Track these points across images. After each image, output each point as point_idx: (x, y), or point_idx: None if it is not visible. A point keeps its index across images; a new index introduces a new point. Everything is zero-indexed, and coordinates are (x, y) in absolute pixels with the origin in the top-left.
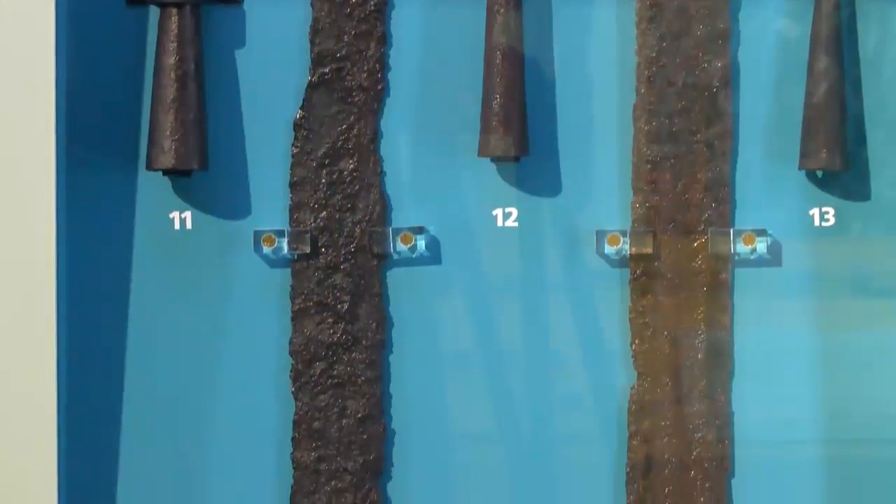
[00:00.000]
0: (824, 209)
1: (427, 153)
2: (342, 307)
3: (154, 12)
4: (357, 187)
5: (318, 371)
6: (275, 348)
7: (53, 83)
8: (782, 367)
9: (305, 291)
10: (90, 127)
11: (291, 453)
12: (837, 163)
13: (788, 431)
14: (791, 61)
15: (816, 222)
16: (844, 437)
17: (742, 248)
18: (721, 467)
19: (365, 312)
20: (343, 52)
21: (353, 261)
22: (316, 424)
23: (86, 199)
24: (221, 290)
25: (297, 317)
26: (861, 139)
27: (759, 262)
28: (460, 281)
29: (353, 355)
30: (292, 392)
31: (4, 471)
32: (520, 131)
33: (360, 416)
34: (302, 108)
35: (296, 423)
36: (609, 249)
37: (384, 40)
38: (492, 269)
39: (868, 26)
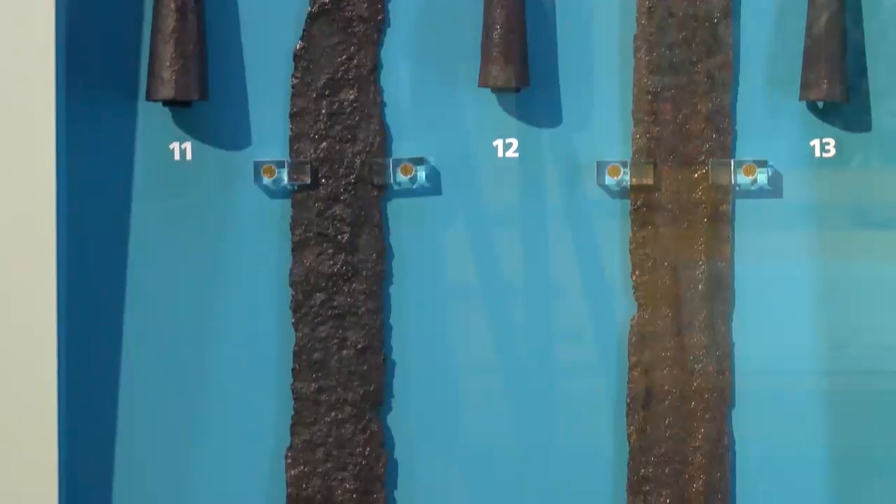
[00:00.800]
0: (825, 140)
1: (427, 84)
2: (342, 238)
3: None
4: (357, 118)
5: (319, 302)
6: (275, 279)
7: (53, 14)
8: (782, 298)
9: (305, 222)
10: (90, 58)
11: (291, 384)
12: (838, 93)
13: (789, 362)
14: None
15: (817, 153)
16: (844, 368)
17: (743, 179)
18: (721, 398)
19: (365, 243)
20: None
21: (353, 192)
22: (316, 355)
23: (86, 130)
24: (221, 221)
25: (297, 248)
26: (862, 70)
27: (760, 193)
28: (460, 212)
29: (354, 286)
30: (292, 323)
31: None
32: (520, 62)
33: (360, 347)
34: (302, 38)
35: (296, 354)
36: (609, 180)
37: None
38: (492, 200)
39: None
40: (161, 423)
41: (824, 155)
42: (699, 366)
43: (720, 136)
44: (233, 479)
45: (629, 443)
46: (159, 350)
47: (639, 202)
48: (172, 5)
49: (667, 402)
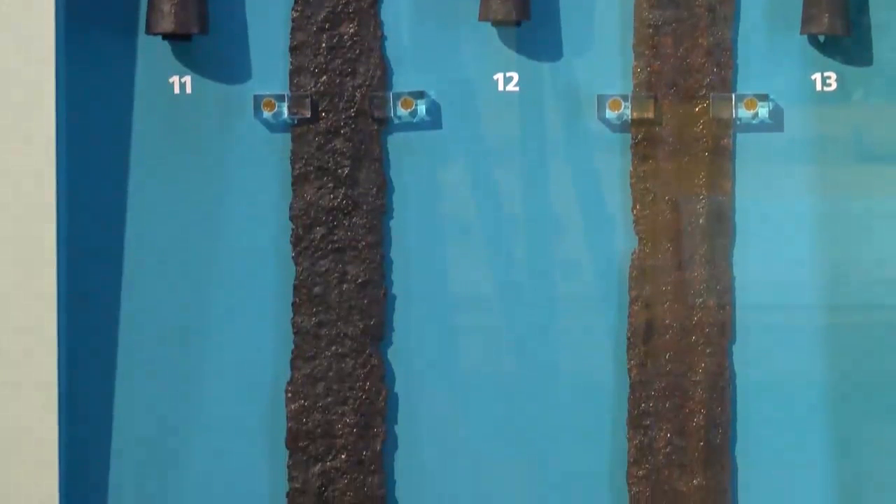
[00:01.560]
0: (826, 74)
1: (428, 17)
2: (342, 172)
3: None
4: (357, 51)
5: (319, 236)
6: (275, 213)
7: None
8: (783, 232)
9: (305, 156)
10: None
11: (292, 318)
12: (839, 27)
13: (789, 296)
14: None
15: (818, 87)
16: (844, 302)
17: (744, 112)
18: (722, 332)
19: (365, 177)
20: None
21: (353, 125)
22: (316, 289)
23: (86, 64)
24: (221, 155)
25: (298, 181)
26: (863, 4)
27: (761, 127)
28: (461, 146)
29: (354, 220)
30: (292, 257)
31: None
32: None
33: (360, 280)
34: None
35: (296, 288)
36: (610, 114)
37: None
38: (492, 134)
39: None
40: (161, 359)
41: (825, 89)
42: (700, 300)
43: (721, 69)
44: (233, 413)
45: (629, 377)
46: (159, 284)
47: (639, 136)
48: None
49: (667, 336)
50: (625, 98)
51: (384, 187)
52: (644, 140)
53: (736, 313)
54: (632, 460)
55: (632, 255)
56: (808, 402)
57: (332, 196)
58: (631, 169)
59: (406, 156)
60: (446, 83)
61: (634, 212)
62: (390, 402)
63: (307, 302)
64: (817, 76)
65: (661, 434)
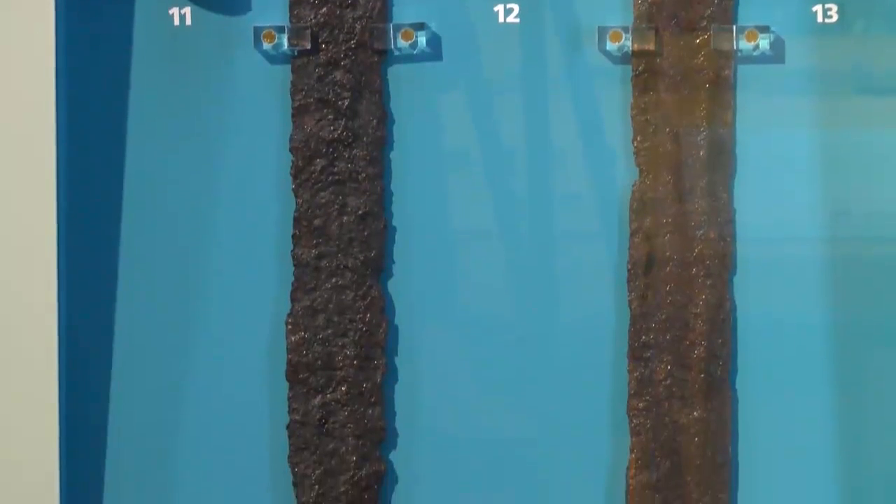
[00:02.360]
0: (827, 5)
1: None
2: (343, 103)
3: None
4: None
5: (319, 168)
6: (275, 145)
7: None
8: (784, 164)
9: (305, 88)
10: None
11: (292, 250)
12: None
13: (790, 229)
14: None
15: (819, 19)
16: (845, 235)
17: (745, 44)
18: (723, 264)
19: (365, 109)
20: None
21: (353, 57)
22: (316, 221)
23: None
24: (221, 87)
25: (298, 113)
26: None
27: (762, 58)
28: (461, 77)
29: (354, 152)
30: (293, 189)
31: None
32: None
33: (360, 212)
34: None
35: (296, 220)
36: (611, 46)
37: None
38: (492, 66)
39: None
40: (161, 292)
41: (826, 21)
42: (700, 232)
43: (722, 1)
44: (233, 345)
45: (630, 309)
46: (159, 216)
47: (640, 68)
48: None
49: (668, 268)
50: (625, 30)
51: (384, 119)
52: (645, 72)
53: (736, 245)
54: (632, 392)
55: (632, 187)
56: (808, 334)
57: (332, 128)
58: (631, 101)
59: (406, 88)
60: (447, 15)
61: (635, 144)
62: (390, 334)
63: (307, 234)
64: (818, 8)
65: (662, 366)
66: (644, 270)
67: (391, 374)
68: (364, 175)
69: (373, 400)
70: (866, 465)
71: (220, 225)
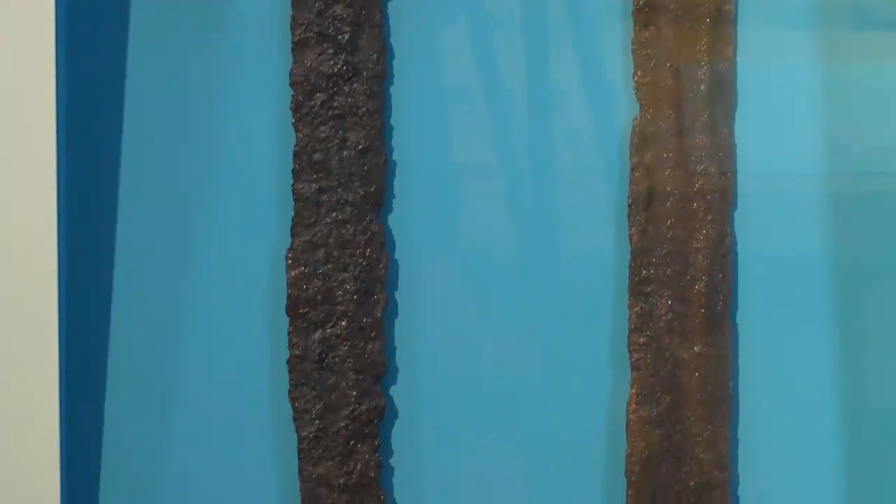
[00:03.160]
0: None
1: None
2: (343, 38)
3: None
4: None
5: (319, 102)
6: (275, 79)
7: None
8: (785, 99)
9: (305, 22)
10: None
11: (292, 185)
12: None
13: (791, 163)
14: None
15: None
16: (846, 170)
17: None
18: (723, 199)
19: (366, 43)
20: None
21: None
22: (316, 156)
23: None
24: (220, 21)
25: (297, 48)
26: None
27: None
28: (461, 12)
29: (354, 86)
30: (292, 123)
31: None
32: None
33: (360, 147)
34: None
35: (296, 155)
36: None
37: None
38: (493, 1)
39: None
40: (160, 227)
41: None
42: (701, 167)
43: None
44: (233, 280)
45: (630, 244)
46: (159, 151)
47: (641, 2)
48: None
49: (668, 203)
50: None
51: (384, 53)
52: (645, 6)
53: (737, 180)
54: (632, 327)
55: (633, 122)
56: (809, 269)
57: (332, 62)
58: (632, 35)
59: (407, 22)
60: None
61: (636, 78)
62: (390, 268)
63: (307, 168)
64: None
65: (662, 301)
66: (644, 205)
67: (391, 308)
68: (364, 109)
69: (373, 335)
70: (866, 400)
71: (221, 160)
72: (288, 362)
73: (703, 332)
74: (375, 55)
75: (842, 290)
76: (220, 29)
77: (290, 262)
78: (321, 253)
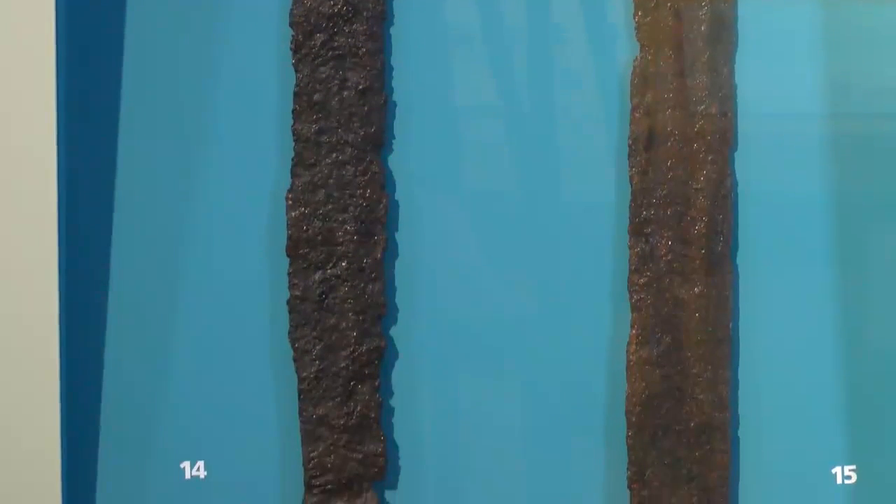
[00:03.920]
0: None
1: None
2: None
3: None
4: None
5: (319, 43)
6: (275, 20)
7: None
8: (786, 39)
9: None
10: None
11: (292, 126)
12: None
13: (791, 104)
14: None
15: None
16: (846, 111)
17: None
18: (723, 140)
19: None
20: None
21: None
22: (317, 97)
23: None
24: None
25: None
26: None
27: None
28: None
29: (354, 26)
30: (293, 64)
31: None
32: None
33: (360, 87)
34: None
35: (296, 96)
36: None
37: None
38: None
39: None
40: (161, 166)
41: None
42: (701, 107)
43: None
44: (234, 221)
45: (631, 185)
46: (160, 90)
47: None
48: None
49: (669, 143)
50: None
51: None
52: None
53: (738, 121)
54: (633, 268)
55: (633, 62)
56: (809, 209)
57: (332, 2)
58: None
59: None
60: None
61: (636, 19)
62: (391, 209)
63: (307, 109)
64: None
65: (663, 242)
66: (645, 146)
67: (391, 249)
68: (364, 50)
69: (373, 275)
70: (865, 340)
71: (221, 101)
72: (288, 303)
73: (703, 273)
74: None
75: (841, 230)
76: None
77: (290, 202)
78: (321, 194)
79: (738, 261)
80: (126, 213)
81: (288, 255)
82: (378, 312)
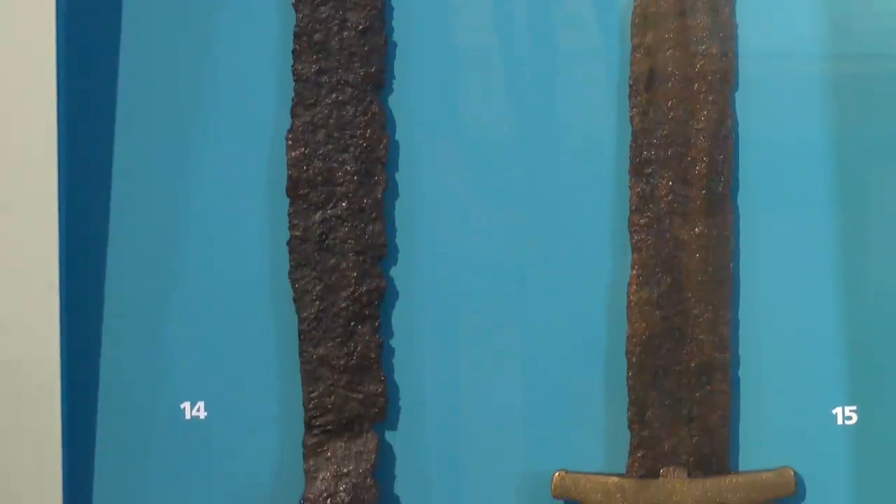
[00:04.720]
0: None
1: None
2: None
3: None
4: None
5: None
6: None
7: None
8: None
9: None
10: None
11: (292, 66)
12: None
13: (791, 45)
14: None
15: None
16: (847, 52)
17: None
18: (724, 80)
19: None
20: None
21: None
22: (317, 36)
23: None
24: None
25: None
26: None
27: None
28: None
29: None
30: (293, 4)
31: None
32: None
33: (361, 27)
34: None
35: (296, 36)
36: None
37: None
38: None
39: None
40: (161, 106)
41: None
42: (702, 47)
43: None
44: (234, 161)
45: (631, 125)
46: (158, 31)
47: None
48: None
49: (669, 83)
50: None
51: None
52: None
53: (738, 61)
54: (633, 209)
55: (634, 1)
56: (809, 150)
57: None
58: None
59: None
60: None
61: None
62: (391, 149)
63: (307, 49)
64: None
65: (663, 182)
66: (645, 86)
67: (392, 189)
68: None
69: (373, 216)
70: (865, 281)
71: (221, 41)
72: (288, 244)
73: (703, 214)
74: None
75: (842, 170)
76: None
77: (290, 143)
78: (321, 134)
79: (739, 201)
80: (128, 153)
81: (288, 196)
82: (378, 253)
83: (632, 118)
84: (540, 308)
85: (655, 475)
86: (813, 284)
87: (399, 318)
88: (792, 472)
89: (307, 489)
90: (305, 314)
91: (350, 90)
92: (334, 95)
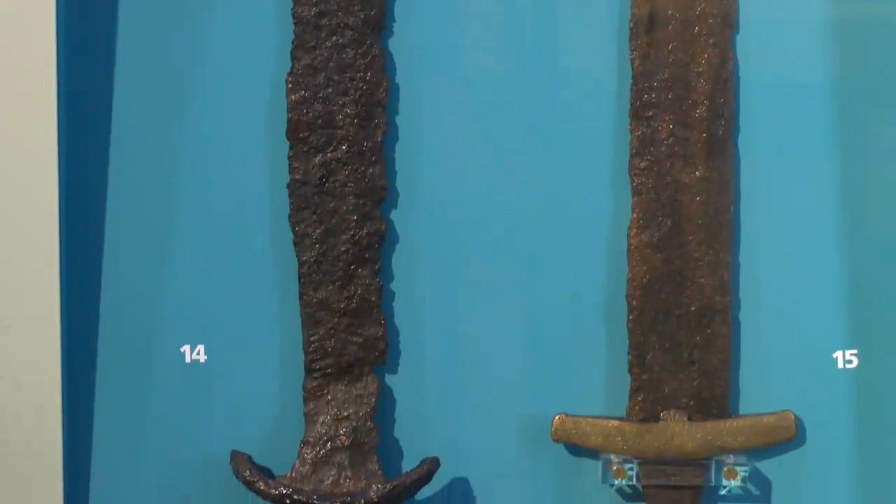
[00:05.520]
0: None
1: None
2: None
3: None
4: None
5: None
6: None
7: None
8: None
9: None
10: None
11: (292, 8)
12: None
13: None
14: None
15: None
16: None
17: None
18: (725, 23)
19: None
20: None
21: None
22: None
23: None
24: None
25: None
26: None
27: None
28: None
29: None
30: None
31: None
32: None
33: None
34: None
35: None
36: None
37: None
38: None
39: None
40: (161, 51)
41: None
42: None
43: None
44: (233, 104)
45: (632, 68)
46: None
47: None
48: None
49: (670, 26)
50: None
51: None
52: None
53: (739, 3)
54: (634, 152)
55: None
56: (811, 93)
57: None
58: None
59: None
60: None
61: None
62: (391, 92)
63: None
64: None
65: (664, 125)
66: (646, 29)
67: (392, 132)
68: None
69: (373, 159)
70: (867, 224)
71: None
72: (288, 186)
73: (704, 157)
74: None
75: (843, 113)
76: None
77: (290, 85)
78: (321, 77)
79: (740, 144)
80: (127, 97)
81: (288, 139)
82: (378, 196)
83: (632, 61)
84: (540, 250)
85: (656, 419)
86: (814, 228)
87: (399, 261)
88: (792, 416)
89: (307, 432)
90: (305, 257)
91: (350, 33)
92: (334, 38)
